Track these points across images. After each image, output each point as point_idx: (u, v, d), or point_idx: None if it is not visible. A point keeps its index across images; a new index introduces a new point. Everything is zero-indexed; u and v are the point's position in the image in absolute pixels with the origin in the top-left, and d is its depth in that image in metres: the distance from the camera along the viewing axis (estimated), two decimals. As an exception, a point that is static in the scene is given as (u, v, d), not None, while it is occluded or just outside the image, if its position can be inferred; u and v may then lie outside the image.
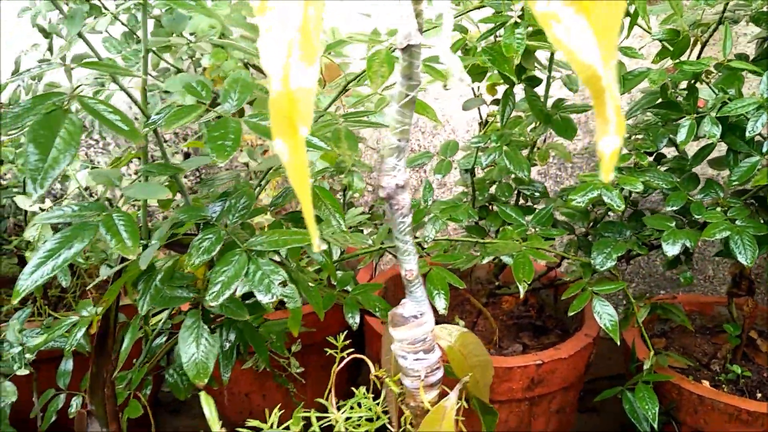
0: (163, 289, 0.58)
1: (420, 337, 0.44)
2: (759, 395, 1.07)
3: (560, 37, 0.24)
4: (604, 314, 0.94)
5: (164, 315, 0.78)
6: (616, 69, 0.24)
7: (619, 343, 0.94)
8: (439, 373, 0.46)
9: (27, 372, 0.75)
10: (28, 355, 0.76)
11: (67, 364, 0.83)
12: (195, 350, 0.58)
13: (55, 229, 1.02)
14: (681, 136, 0.85)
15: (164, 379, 0.88)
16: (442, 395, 0.47)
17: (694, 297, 1.36)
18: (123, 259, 0.73)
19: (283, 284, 0.53)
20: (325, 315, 1.22)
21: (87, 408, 0.70)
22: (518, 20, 0.73)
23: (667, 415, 1.08)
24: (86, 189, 1.38)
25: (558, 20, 0.25)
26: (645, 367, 1.03)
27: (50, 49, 1.40)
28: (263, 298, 0.53)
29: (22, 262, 1.30)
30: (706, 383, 1.08)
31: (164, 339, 0.80)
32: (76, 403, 0.79)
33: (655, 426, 0.98)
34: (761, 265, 1.39)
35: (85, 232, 0.47)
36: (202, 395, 0.44)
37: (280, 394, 1.28)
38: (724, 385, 1.10)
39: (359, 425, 0.70)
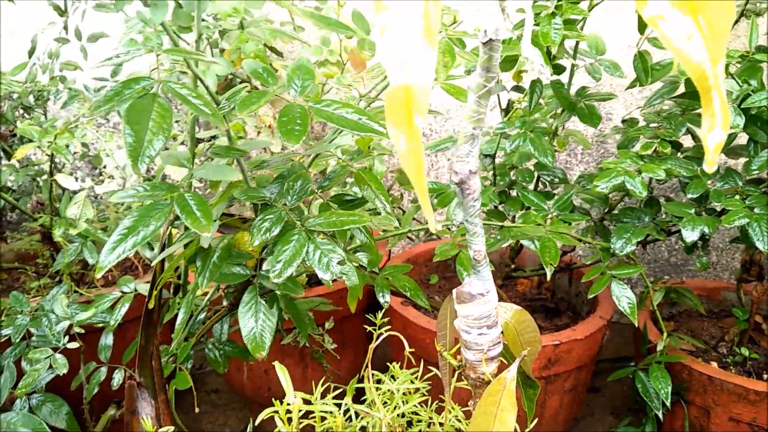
0: (221, 266, 0.60)
1: (485, 313, 0.46)
2: (766, 376, 1.11)
3: (669, 37, 0.27)
4: (623, 297, 0.97)
5: (205, 291, 0.80)
6: (723, 68, 0.26)
7: (636, 325, 0.98)
8: (500, 347, 0.49)
9: (77, 345, 0.78)
10: (77, 329, 0.78)
11: (108, 338, 0.86)
12: (254, 324, 0.60)
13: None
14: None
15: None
16: (501, 368, 0.50)
17: (701, 282, 1.40)
18: (168, 240, 0.75)
19: (341, 263, 0.56)
20: (341, 297, 1.25)
21: (135, 380, 0.72)
22: (555, 11, 0.75)
23: (677, 395, 1.12)
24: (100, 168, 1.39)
25: (666, 21, 0.27)
26: (659, 348, 1.07)
27: (66, 27, 1.41)
28: (324, 276, 0.56)
29: (46, 239, 1.32)
30: (714, 365, 1.12)
31: (204, 315, 0.83)
32: (118, 376, 0.81)
33: (668, 404, 1.02)
34: None
35: (160, 211, 0.49)
36: (277, 365, 0.46)
37: (299, 371, 1.32)
38: (731, 367, 1.14)
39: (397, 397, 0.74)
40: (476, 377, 0.49)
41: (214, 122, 0.47)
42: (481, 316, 0.47)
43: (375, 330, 0.78)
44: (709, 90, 0.26)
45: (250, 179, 0.69)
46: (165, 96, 0.45)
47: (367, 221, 0.56)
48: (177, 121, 1.21)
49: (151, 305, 0.66)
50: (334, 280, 0.59)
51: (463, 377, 0.51)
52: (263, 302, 0.61)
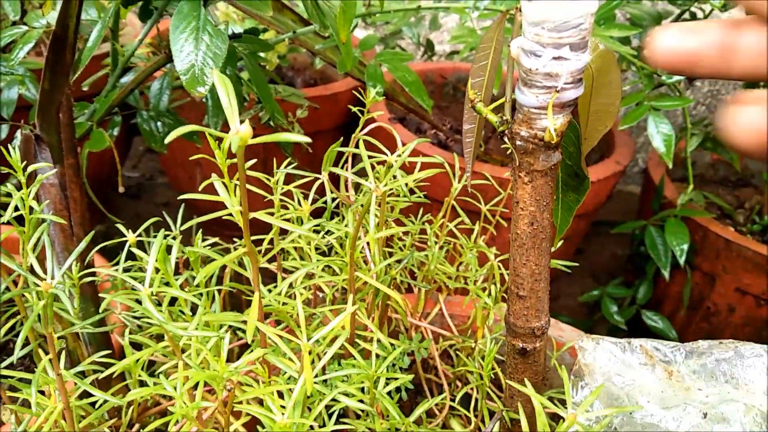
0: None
1: (576, 17, 0.28)
2: (786, 248, 0.99)
3: None
4: (659, 134, 0.81)
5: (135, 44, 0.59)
6: None
7: (671, 166, 0.82)
8: (579, 90, 0.31)
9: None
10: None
11: (12, 92, 0.66)
12: (192, 49, 0.41)
13: None
14: None
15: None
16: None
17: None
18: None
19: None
20: (314, 108, 1.05)
21: (34, 133, 0.54)
22: None
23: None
24: None
25: None
26: (679, 202, 0.93)
27: None
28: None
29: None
30: (731, 230, 0.99)
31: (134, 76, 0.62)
32: (22, 134, 0.62)
33: (682, 261, 0.90)
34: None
35: None
36: (215, 74, 0.28)
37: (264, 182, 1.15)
38: (749, 235, 1.01)
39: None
40: (530, 136, 0.32)
41: None
42: (569, 24, 0.28)
43: (362, 111, 0.60)
44: None
45: None
46: None
47: None
48: None
49: (59, 31, 0.45)
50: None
51: (506, 139, 0.33)
52: (209, 18, 0.41)
